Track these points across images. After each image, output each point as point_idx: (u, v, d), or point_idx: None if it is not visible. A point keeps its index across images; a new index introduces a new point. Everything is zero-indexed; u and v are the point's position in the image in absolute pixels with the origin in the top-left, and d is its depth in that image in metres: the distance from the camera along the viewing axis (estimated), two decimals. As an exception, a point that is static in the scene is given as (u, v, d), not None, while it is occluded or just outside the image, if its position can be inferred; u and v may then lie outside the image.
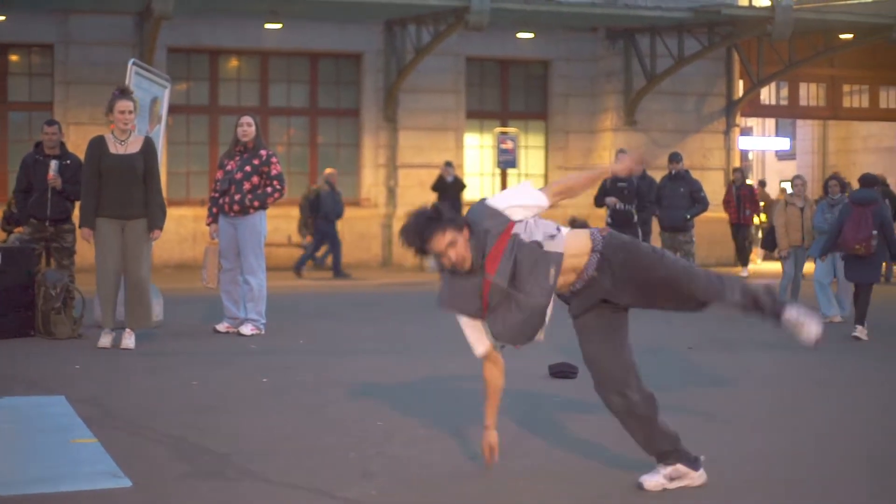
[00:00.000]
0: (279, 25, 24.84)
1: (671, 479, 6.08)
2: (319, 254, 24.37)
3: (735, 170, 24.51)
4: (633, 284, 6.01)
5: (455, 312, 6.11)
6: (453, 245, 5.89)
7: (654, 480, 6.07)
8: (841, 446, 7.23)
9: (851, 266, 13.43)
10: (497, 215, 5.95)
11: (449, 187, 22.93)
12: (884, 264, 16.37)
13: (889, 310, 14.24)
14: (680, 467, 6.09)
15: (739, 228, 23.96)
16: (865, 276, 13.36)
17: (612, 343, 6.07)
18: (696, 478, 6.13)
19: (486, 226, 5.93)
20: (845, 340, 12.92)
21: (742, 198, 23.73)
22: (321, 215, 22.57)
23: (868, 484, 6.35)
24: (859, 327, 13.15)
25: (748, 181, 31.06)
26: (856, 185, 14.34)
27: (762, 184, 31.14)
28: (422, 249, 5.98)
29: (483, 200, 6.13)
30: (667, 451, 6.10)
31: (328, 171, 23.38)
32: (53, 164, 12.27)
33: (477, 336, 6.14)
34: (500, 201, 6.04)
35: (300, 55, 25.92)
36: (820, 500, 6.05)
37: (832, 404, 8.90)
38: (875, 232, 13.11)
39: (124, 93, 11.40)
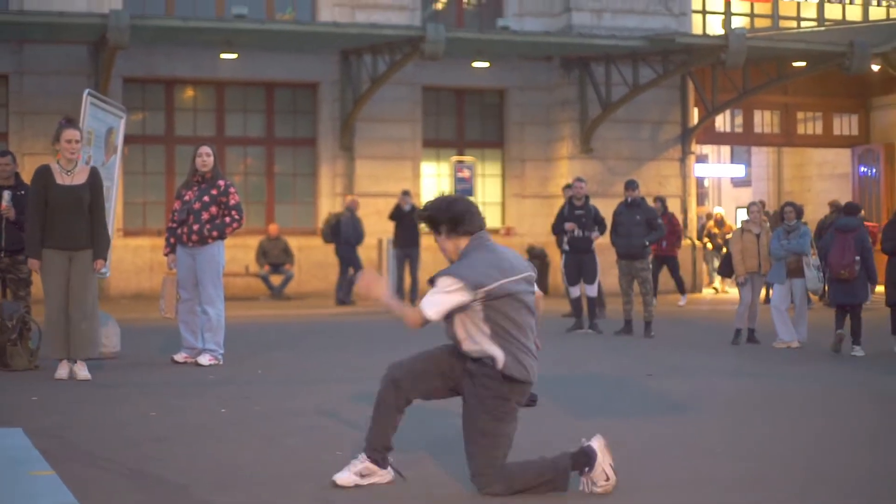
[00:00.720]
0: (235, 55, 24.80)
1: (361, 475, 6.56)
2: (277, 283, 24.35)
3: (656, 198, 23.20)
4: (467, 394, 6.51)
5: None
6: (443, 243, 6.65)
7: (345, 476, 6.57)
8: (801, 468, 7.26)
9: (838, 289, 14.16)
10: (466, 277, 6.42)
11: (406, 216, 22.91)
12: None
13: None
14: (370, 465, 6.57)
15: (660, 259, 22.64)
16: (851, 298, 14.08)
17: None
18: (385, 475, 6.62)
19: (465, 263, 6.50)
20: (803, 365, 13.02)
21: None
22: (342, 241, 22.78)
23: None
24: (856, 347, 14.06)
25: (712, 211, 30.56)
26: (810, 211, 14.53)
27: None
28: (432, 225, 6.65)
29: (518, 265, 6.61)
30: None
31: (349, 197, 23.83)
32: (6, 194, 12.16)
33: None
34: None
35: (256, 85, 25.91)
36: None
37: (790, 429, 8.93)
38: (858, 257, 13.82)
39: (71, 122, 11.37)
